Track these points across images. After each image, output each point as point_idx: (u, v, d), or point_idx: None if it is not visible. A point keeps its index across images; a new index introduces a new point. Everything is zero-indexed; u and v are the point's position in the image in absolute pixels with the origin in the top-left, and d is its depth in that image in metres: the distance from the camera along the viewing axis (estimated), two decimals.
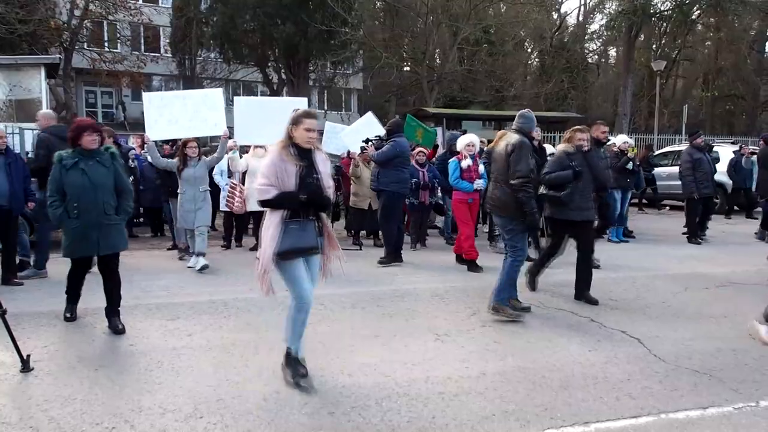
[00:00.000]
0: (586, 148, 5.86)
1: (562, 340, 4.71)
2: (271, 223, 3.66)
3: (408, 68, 27.79)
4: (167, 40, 30.01)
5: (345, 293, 6.07)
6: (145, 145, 7.18)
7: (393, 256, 7.60)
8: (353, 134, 8.97)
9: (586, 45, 35.76)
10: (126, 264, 5.08)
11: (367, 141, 8.26)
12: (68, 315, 5.11)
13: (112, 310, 4.90)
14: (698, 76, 35.50)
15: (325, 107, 32.53)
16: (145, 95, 7.66)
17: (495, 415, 3.38)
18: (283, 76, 24.49)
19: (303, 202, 3.64)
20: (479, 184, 7.38)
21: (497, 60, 28.32)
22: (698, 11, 30.33)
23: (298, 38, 21.82)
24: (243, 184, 8.30)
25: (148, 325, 4.95)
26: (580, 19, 35.99)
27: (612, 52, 38.24)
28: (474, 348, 4.46)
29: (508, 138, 5.32)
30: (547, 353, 4.37)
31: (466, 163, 7.37)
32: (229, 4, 21.95)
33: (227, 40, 23.13)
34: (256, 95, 31.41)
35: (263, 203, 3.69)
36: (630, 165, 9.25)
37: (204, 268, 6.99)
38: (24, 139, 11.05)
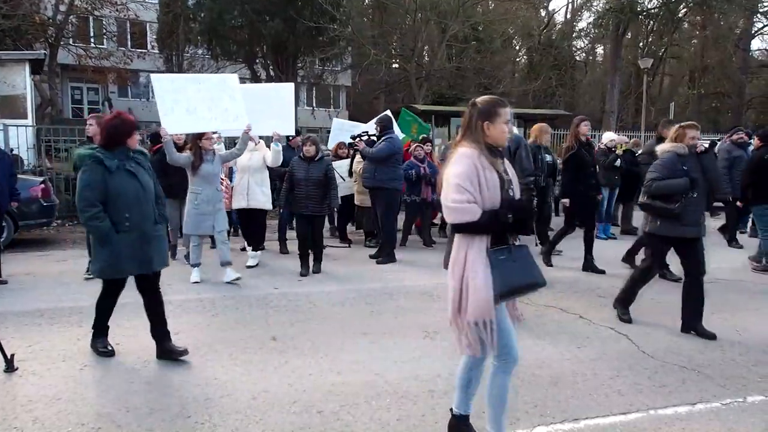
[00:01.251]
0: (700, 149, 4.94)
1: (551, 337, 4.71)
2: (471, 256, 2.71)
3: (397, 65, 27.75)
4: (154, 36, 29.69)
5: (334, 291, 6.05)
6: (162, 139, 5.99)
7: (391, 254, 7.56)
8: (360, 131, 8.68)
9: (574, 43, 35.90)
10: None
11: (355, 137, 8.18)
12: (103, 348, 4.20)
13: (164, 333, 4.19)
14: (685, 73, 35.77)
15: (314, 104, 32.39)
16: (154, 77, 6.32)
17: (485, 412, 3.36)
18: (272, 73, 24.32)
19: (511, 223, 2.72)
20: None
21: (486, 57, 28.33)
22: (685, 9, 30.57)
23: (287, 35, 21.68)
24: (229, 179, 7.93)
25: (135, 324, 4.88)
26: (568, 16, 36.12)
27: (599, 49, 38.42)
28: None
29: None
30: (537, 351, 4.37)
31: None
32: (216, 0, 21.76)
33: (215, 36, 22.92)
34: None
35: (462, 227, 2.73)
36: (618, 162, 9.28)
37: (237, 279, 6.24)
38: (8, 135, 10.90)
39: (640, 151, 10.03)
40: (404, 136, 9.48)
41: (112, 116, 4.02)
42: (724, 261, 7.17)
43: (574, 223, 7.09)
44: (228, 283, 6.19)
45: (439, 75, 26.33)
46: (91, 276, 6.02)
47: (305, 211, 6.80)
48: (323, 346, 4.45)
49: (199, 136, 6.19)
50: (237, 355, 4.22)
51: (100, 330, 4.24)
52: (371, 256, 7.64)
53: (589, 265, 6.95)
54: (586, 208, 6.84)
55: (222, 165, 6.61)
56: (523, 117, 15.71)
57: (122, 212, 3.85)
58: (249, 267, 7.04)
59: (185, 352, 4.14)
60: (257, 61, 25.24)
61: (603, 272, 6.83)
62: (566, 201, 7.01)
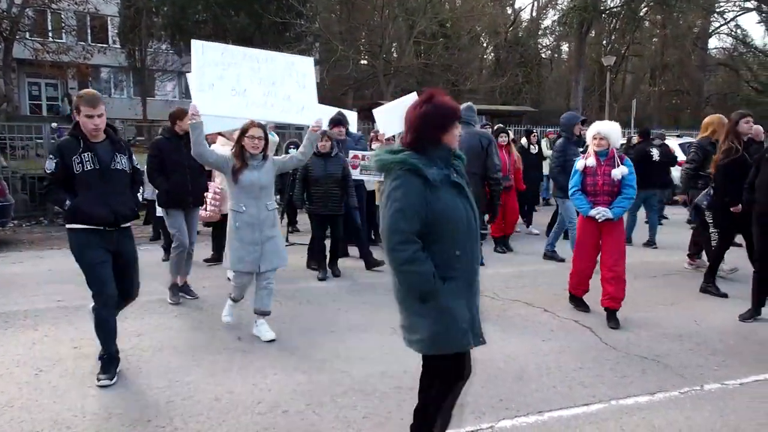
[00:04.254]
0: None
1: (517, 331, 4.76)
2: None
3: (365, 61, 27.69)
4: (115, 31, 28.99)
5: (300, 289, 5.99)
6: (189, 122, 4.37)
7: (344, 249, 7.36)
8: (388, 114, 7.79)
9: (540, 40, 36.42)
10: (70, 262, 4.77)
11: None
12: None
13: None
14: (646, 71, 36.64)
15: None
16: (195, 42, 4.58)
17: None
18: None
19: None
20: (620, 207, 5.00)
21: (453, 54, 28.51)
22: (645, 8, 31.34)
23: (252, 30, 21.42)
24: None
25: (93, 327, 4.75)
26: (534, 14, 36.59)
27: (564, 47, 39.07)
28: None
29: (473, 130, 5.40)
30: (502, 344, 4.40)
31: (585, 163, 5.12)
32: None
33: (178, 30, 22.51)
34: None
35: None
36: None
37: (272, 341, 4.48)
38: None
39: None
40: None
41: (423, 99, 2.51)
42: (684, 252, 7.34)
43: (732, 236, 6.01)
44: (262, 339, 4.53)
45: (407, 71, 26.39)
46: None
47: (324, 210, 6.39)
48: (289, 344, 4.41)
49: (243, 132, 4.51)
50: (201, 356, 4.14)
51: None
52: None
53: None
54: (747, 216, 5.49)
55: (276, 172, 4.71)
56: (489, 113, 15.88)
57: (450, 249, 2.45)
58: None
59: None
60: None
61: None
62: (738, 207, 5.55)
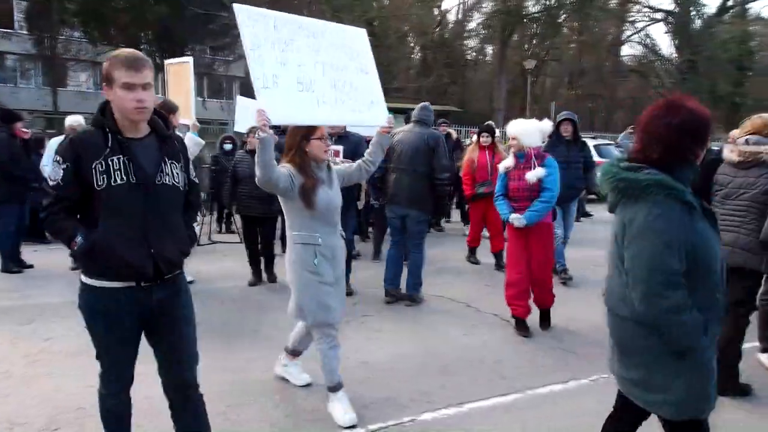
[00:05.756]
0: None
1: (440, 326, 4.87)
2: None
3: None
4: (22, 15, 27.07)
5: (223, 288, 5.86)
6: (258, 136, 2.97)
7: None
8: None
9: (465, 42, 37.32)
10: None
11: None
12: None
13: None
14: (564, 75, 38.38)
15: (205, 95, 31.14)
16: (238, 7, 3.00)
17: (374, 403, 3.41)
18: (158, 61, 23.06)
19: None
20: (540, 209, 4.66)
21: (381, 53, 28.69)
22: (564, 15, 32.83)
23: (173, 20, 20.63)
24: None
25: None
26: (459, 17, 37.46)
27: (489, 49, 40.23)
28: (356, 338, 4.48)
29: (417, 129, 5.39)
30: (426, 339, 4.49)
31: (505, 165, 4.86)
32: None
33: (92, 18, 21.31)
34: None
35: None
36: None
37: (307, 385, 3.71)
38: None
39: None
40: None
41: (673, 106, 2.02)
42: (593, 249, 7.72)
43: None
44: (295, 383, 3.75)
45: None
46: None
47: (249, 212, 6.02)
48: (212, 345, 4.28)
49: (305, 136, 3.27)
50: (70, 361, 3.93)
51: None
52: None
53: None
54: None
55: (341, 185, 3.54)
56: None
57: (711, 292, 2.00)
58: None
59: None
60: (141, 47, 23.79)
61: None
62: None
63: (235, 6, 3.06)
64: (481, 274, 6.58)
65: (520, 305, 4.74)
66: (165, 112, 4.65)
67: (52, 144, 7.17)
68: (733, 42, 33.09)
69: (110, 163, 2.17)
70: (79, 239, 2.19)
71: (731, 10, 34.94)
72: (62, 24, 24.14)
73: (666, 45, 40.76)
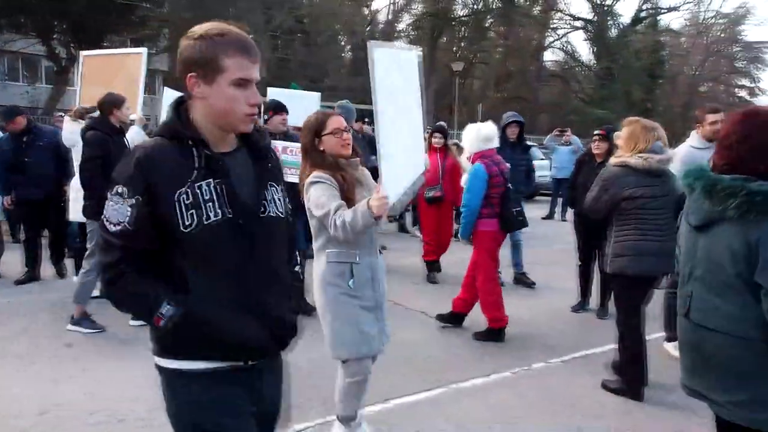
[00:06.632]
0: None
1: None
2: None
3: None
4: None
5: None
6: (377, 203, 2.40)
7: None
8: None
9: (396, 43, 37.62)
10: None
11: None
12: None
13: None
14: (491, 78, 39.53)
15: None
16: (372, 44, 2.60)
17: (299, 403, 3.39)
18: (73, 51, 21.82)
19: None
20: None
21: (312, 51, 28.52)
22: (491, 20, 33.85)
23: (90, 9, 19.59)
24: None
25: None
26: (390, 17, 37.75)
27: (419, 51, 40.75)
28: None
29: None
30: None
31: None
32: None
33: (2, 3, 19.88)
34: (39, 70, 27.63)
35: None
36: None
37: None
38: None
39: None
40: None
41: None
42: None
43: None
44: None
45: (262, 65, 25.92)
46: None
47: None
48: (130, 354, 4.12)
49: (318, 131, 2.80)
50: (24, 368, 3.74)
51: None
52: None
53: None
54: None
55: None
56: None
57: None
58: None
59: None
60: (55, 37, 22.45)
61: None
62: None
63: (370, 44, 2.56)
64: (408, 273, 6.66)
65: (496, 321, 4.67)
66: (110, 105, 4.40)
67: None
68: (646, 51, 35.33)
69: (200, 190, 1.48)
70: (167, 308, 1.47)
71: (644, 21, 37.28)
72: None
73: (585, 52, 42.70)
